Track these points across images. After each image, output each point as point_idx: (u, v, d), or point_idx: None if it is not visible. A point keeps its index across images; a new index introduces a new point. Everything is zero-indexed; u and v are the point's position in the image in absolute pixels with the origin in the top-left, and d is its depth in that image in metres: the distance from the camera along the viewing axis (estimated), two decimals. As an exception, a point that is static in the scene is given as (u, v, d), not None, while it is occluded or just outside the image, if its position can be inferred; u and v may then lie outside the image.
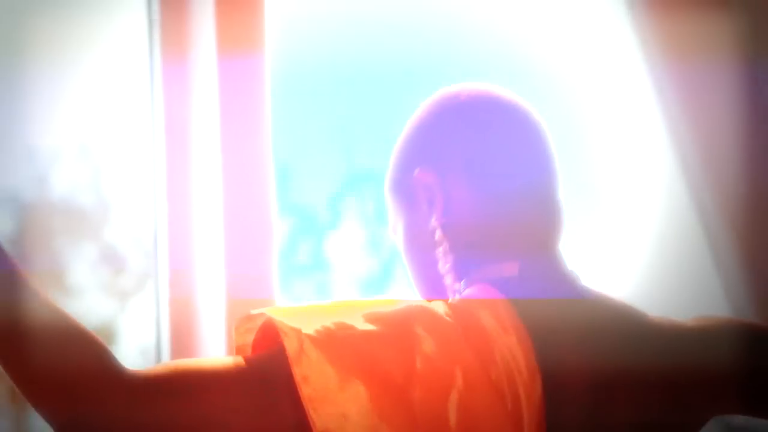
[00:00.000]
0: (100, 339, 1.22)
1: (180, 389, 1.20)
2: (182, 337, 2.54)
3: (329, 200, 3.24)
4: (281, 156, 2.70)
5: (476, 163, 1.37)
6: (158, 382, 1.20)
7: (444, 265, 1.38)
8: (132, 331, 3.08)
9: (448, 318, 1.27)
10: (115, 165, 2.94)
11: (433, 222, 1.38)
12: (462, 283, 1.37)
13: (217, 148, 2.49)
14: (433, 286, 1.41)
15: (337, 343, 1.21)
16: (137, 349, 3.13)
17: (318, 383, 1.18)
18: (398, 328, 1.24)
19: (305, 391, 1.18)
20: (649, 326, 1.37)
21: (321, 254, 3.27)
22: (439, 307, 1.30)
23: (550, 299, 1.34)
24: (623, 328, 1.34)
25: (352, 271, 3.33)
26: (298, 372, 1.19)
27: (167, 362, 1.27)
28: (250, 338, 1.29)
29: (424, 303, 1.30)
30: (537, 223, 1.38)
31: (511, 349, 1.25)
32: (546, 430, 1.25)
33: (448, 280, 1.37)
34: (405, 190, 1.42)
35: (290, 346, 1.20)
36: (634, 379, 1.31)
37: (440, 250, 1.37)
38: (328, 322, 1.23)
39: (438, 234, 1.37)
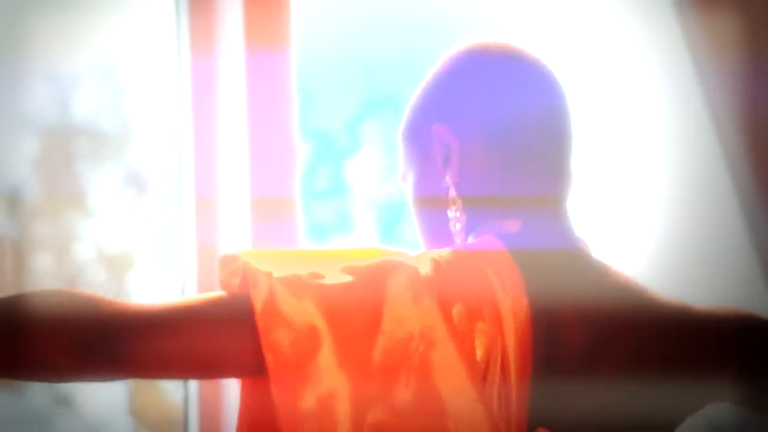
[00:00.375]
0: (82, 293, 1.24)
1: (163, 325, 1.22)
2: (207, 263, 2.56)
3: (349, 125, 3.24)
4: (304, 80, 2.69)
5: (495, 125, 1.37)
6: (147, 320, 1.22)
7: (455, 225, 1.38)
8: (155, 256, 3.09)
9: (425, 272, 1.26)
10: (139, 88, 2.94)
11: (447, 180, 1.38)
12: (469, 237, 1.37)
13: (242, 72, 2.48)
14: (440, 241, 1.41)
15: (305, 290, 1.21)
16: (160, 275, 3.15)
17: (281, 332, 1.18)
18: (370, 283, 1.23)
19: (266, 339, 1.19)
20: (645, 293, 1.37)
21: (341, 179, 3.28)
22: (424, 258, 1.30)
23: (549, 252, 1.34)
24: (619, 285, 1.35)
25: (372, 196, 3.33)
26: (262, 321, 1.19)
27: (149, 301, 1.27)
28: (236, 280, 1.28)
29: (403, 257, 1.28)
30: (545, 184, 1.38)
31: (498, 297, 1.25)
32: (539, 369, 1.27)
33: (458, 239, 1.38)
34: (421, 143, 1.42)
35: (258, 294, 1.20)
36: (628, 334, 1.31)
37: (453, 209, 1.37)
38: (303, 269, 1.23)
39: (452, 193, 1.37)
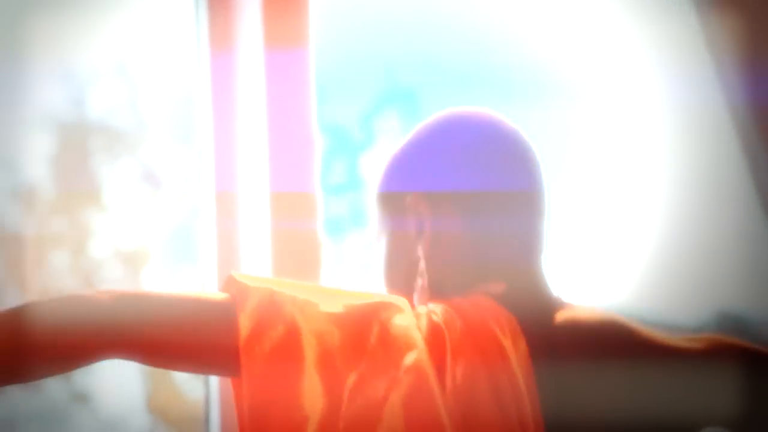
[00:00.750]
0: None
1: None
2: (226, 259, 2.56)
3: (364, 118, 3.23)
4: (321, 75, 2.69)
5: (470, 199, 1.37)
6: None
7: (420, 297, 1.38)
8: (171, 252, 3.09)
9: (415, 318, 1.26)
10: (155, 84, 2.93)
11: (419, 251, 1.38)
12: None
13: (261, 66, 2.48)
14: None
15: (287, 305, 1.22)
16: (176, 271, 3.15)
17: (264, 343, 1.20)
18: (358, 319, 1.23)
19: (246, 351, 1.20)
20: (637, 332, 1.39)
21: (356, 173, 3.27)
22: (424, 309, 1.31)
23: (536, 305, 1.38)
24: (607, 324, 1.37)
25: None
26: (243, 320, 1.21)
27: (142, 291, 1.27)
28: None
29: (397, 300, 1.28)
30: (520, 253, 1.39)
31: (498, 336, 1.27)
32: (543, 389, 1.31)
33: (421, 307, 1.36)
34: (395, 209, 1.42)
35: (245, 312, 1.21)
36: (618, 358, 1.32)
37: (420, 281, 1.37)
38: (296, 294, 1.24)
39: (422, 265, 1.37)
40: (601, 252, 2.93)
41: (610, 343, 1.37)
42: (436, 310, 1.32)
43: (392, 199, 1.47)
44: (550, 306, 1.42)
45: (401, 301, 1.30)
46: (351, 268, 3.14)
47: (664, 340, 1.41)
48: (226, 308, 1.23)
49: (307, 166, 2.54)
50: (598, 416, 1.33)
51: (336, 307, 1.23)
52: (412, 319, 1.26)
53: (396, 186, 1.47)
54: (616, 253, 2.99)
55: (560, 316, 1.39)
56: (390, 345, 1.23)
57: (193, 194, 2.80)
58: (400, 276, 1.43)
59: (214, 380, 2.60)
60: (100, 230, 3.25)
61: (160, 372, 3.78)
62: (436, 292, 1.43)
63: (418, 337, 1.24)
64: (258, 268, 2.50)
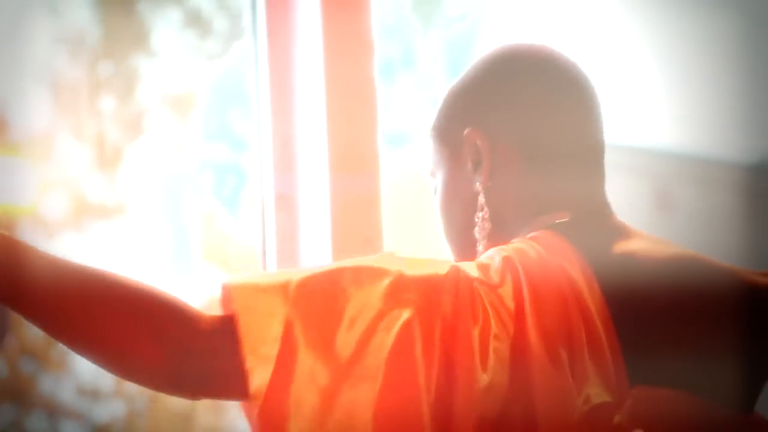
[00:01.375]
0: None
1: None
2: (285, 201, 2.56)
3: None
4: None
5: (528, 131, 1.35)
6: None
7: (481, 231, 1.37)
8: (218, 97, 3.09)
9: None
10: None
11: (477, 186, 1.36)
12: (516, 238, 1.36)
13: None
14: (464, 243, 1.38)
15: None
16: (223, 115, 3.16)
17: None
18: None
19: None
20: (718, 266, 1.32)
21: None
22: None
23: (606, 234, 1.32)
24: (680, 258, 1.33)
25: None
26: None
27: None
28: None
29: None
30: (585, 177, 1.36)
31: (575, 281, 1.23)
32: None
33: (481, 246, 1.33)
34: (452, 144, 1.38)
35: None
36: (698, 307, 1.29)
37: (479, 216, 1.35)
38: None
39: (481, 199, 1.35)
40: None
41: (689, 278, 1.34)
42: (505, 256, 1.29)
43: (449, 134, 1.46)
44: (618, 234, 1.38)
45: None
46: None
47: (747, 275, 1.38)
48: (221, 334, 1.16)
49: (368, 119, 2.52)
50: (681, 364, 1.31)
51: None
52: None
53: (452, 122, 1.46)
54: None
55: (631, 246, 1.36)
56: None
57: (242, 39, 2.79)
58: (461, 211, 1.40)
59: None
60: (148, 75, 3.25)
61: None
62: (497, 226, 1.41)
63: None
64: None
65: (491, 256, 1.25)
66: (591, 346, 1.20)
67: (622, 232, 1.38)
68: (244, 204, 3.50)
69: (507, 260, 1.23)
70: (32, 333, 3.35)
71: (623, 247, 1.35)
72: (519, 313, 1.19)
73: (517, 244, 1.30)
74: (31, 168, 3.41)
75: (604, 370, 1.20)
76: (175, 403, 3.41)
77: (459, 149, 1.38)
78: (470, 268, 1.22)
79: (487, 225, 1.33)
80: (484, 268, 1.22)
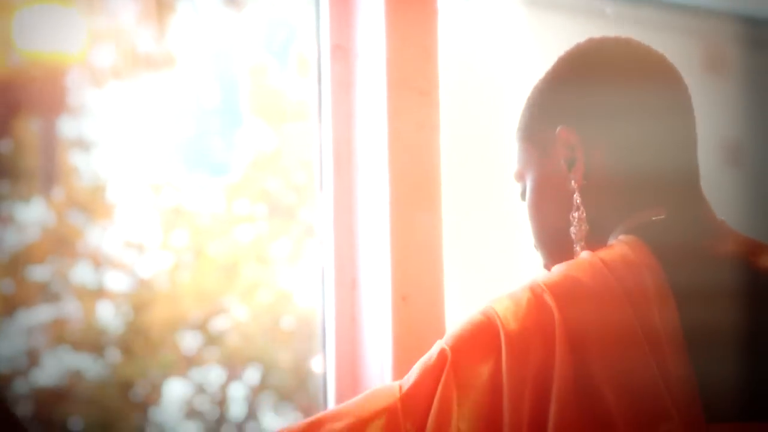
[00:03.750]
0: None
1: None
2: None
3: None
4: None
5: (621, 127, 1.31)
6: None
7: (578, 232, 1.34)
8: None
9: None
10: None
11: (573, 184, 1.34)
12: (611, 237, 1.32)
13: None
14: (558, 244, 1.38)
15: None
16: None
17: None
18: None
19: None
20: None
21: None
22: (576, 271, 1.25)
23: (699, 256, 1.29)
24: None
25: None
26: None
27: None
28: None
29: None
30: (681, 173, 1.33)
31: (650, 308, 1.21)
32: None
33: (579, 246, 1.33)
34: (542, 143, 1.38)
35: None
36: None
37: (575, 216, 1.33)
38: None
39: (576, 199, 1.33)
40: None
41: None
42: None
43: (539, 134, 1.43)
44: (715, 234, 1.35)
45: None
46: None
47: None
48: None
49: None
50: None
51: None
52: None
53: (543, 119, 1.43)
54: None
55: (733, 244, 1.33)
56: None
57: None
58: (555, 212, 1.41)
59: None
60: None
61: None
62: (593, 226, 1.37)
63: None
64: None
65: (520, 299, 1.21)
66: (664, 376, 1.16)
67: (719, 232, 1.34)
68: (295, 58, 3.49)
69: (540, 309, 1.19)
70: (80, 184, 3.38)
71: (721, 249, 1.31)
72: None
73: (576, 272, 1.26)
74: (80, 17, 3.40)
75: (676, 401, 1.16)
76: (220, 256, 3.45)
77: (550, 149, 1.37)
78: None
79: (585, 226, 1.32)
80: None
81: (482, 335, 1.23)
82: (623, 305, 1.20)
